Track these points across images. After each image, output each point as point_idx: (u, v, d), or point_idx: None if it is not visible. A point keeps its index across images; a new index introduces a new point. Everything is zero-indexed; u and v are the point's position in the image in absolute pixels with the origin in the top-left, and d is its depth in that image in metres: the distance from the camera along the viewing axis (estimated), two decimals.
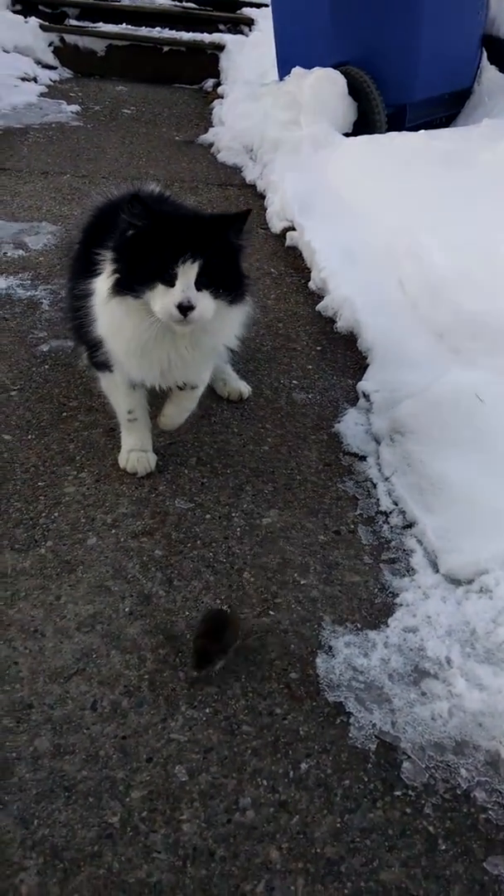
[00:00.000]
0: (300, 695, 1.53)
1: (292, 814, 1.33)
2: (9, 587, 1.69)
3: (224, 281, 1.72)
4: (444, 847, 1.31)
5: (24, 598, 1.67)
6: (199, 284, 1.67)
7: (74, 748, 1.39)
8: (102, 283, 1.79)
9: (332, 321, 2.93)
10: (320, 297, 3.08)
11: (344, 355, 2.74)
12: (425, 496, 1.99)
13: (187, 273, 1.65)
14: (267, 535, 1.91)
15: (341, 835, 1.31)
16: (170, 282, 1.66)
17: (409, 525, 1.96)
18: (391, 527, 1.97)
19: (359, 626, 1.69)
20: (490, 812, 1.36)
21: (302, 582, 1.79)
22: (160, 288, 1.67)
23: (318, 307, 3.02)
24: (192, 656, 1.53)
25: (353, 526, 1.98)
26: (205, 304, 1.68)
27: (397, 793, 1.38)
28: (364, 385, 2.47)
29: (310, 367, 2.65)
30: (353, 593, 1.77)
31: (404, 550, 1.90)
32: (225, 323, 1.82)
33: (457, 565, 1.79)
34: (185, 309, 1.65)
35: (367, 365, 2.62)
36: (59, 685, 1.49)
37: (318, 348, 2.77)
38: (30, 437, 2.16)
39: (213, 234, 1.70)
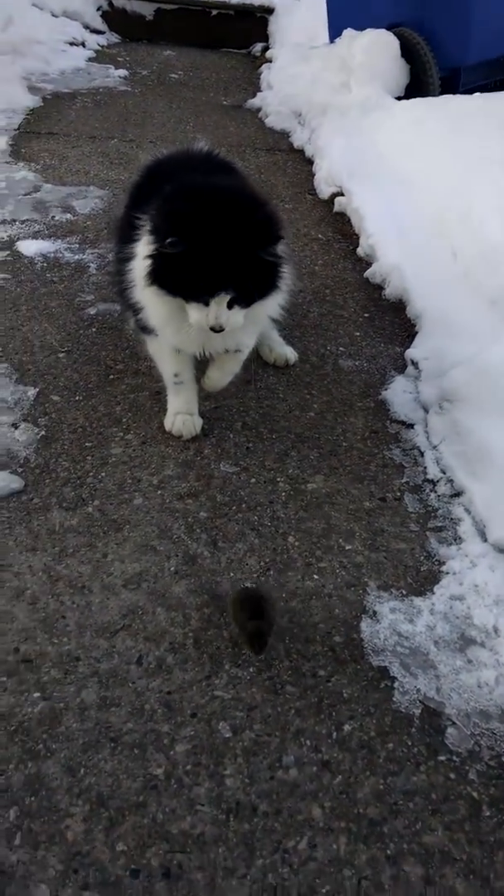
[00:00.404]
0: (344, 658, 1.52)
1: (335, 774, 1.33)
2: (56, 543, 1.71)
3: (256, 294, 1.76)
4: (488, 813, 1.30)
5: (72, 554, 1.69)
6: (231, 304, 1.71)
7: (120, 701, 1.41)
8: (142, 249, 1.80)
9: (380, 288, 2.88)
10: (368, 264, 3.03)
11: (392, 323, 2.69)
12: (473, 465, 1.95)
13: (220, 302, 1.69)
14: (312, 501, 1.90)
15: (384, 796, 1.31)
16: (204, 303, 1.70)
17: (457, 494, 1.93)
18: (438, 495, 1.94)
19: (404, 592, 1.67)
20: None
21: (347, 547, 1.78)
22: (194, 303, 1.72)
23: (366, 274, 2.97)
24: (246, 641, 1.48)
25: (399, 493, 1.96)
26: (235, 318, 1.74)
27: (441, 758, 1.37)
28: (412, 352, 2.42)
29: (357, 334, 2.61)
30: (399, 560, 1.76)
31: (451, 519, 1.87)
32: (259, 312, 1.87)
33: None
34: (216, 329, 1.73)
35: (416, 333, 2.57)
36: (105, 640, 1.51)
37: (366, 315, 2.73)
38: (77, 398, 2.17)
39: (247, 259, 1.68)
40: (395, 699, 1.46)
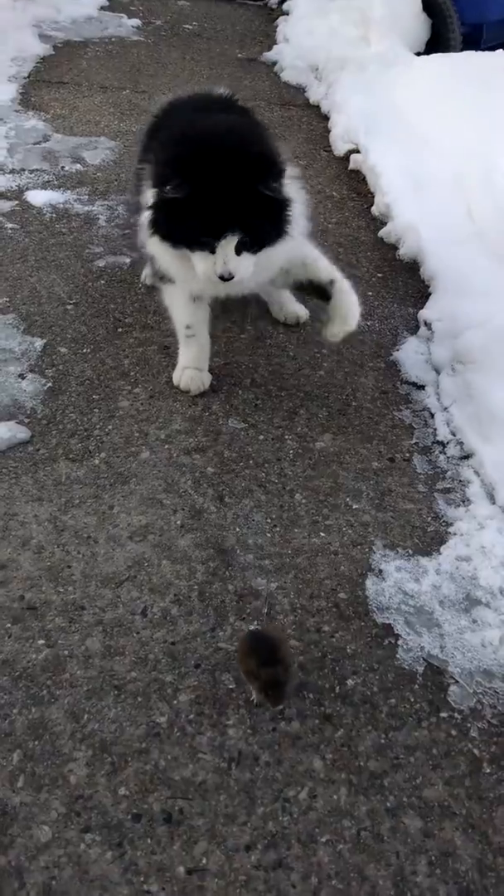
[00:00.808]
0: (349, 615, 1.52)
1: (337, 727, 1.34)
2: (63, 494, 1.70)
3: (265, 237, 1.70)
4: (488, 770, 1.31)
5: (78, 505, 1.68)
6: (239, 249, 1.66)
7: (125, 650, 1.41)
8: (145, 199, 1.77)
9: (394, 248, 2.83)
10: (383, 223, 2.97)
11: (406, 283, 2.65)
12: (485, 428, 1.93)
13: (226, 246, 1.64)
14: (320, 459, 1.89)
15: (385, 750, 1.31)
16: (210, 250, 1.65)
17: (467, 456, 1.91)
18: (448, 457, 1.93)
19: (410, 552, 1.67)
20: None
21: (354, 506, 1.77)
22: (199, 253, 1.67)
23: (381, 233, 2.91)
24: (260, 691, 1.30)
25: (408, 454, 1.94)
26: (245, 266, 1.68)
27: (443, 714, 1.37)
28: (426, 313, 2.38)
29: (370, 293, 2.57)
30: (406, 520, 1.75)
31: (460, 481, 1.86)
32: (272, 258, 1.80)
33: None
34: (225, 277, 1.67)
35: (430, 294, 2.53)
36: (110, 590, 1.51)
37: (379, 275, 2.68)
38: (85, 350, 2.15)
39: (249, 196, 1.62)
40: (398, 656, 1.46)
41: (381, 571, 1.61)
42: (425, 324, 2.37)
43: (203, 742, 1.29)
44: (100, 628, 1.44)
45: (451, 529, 1.72)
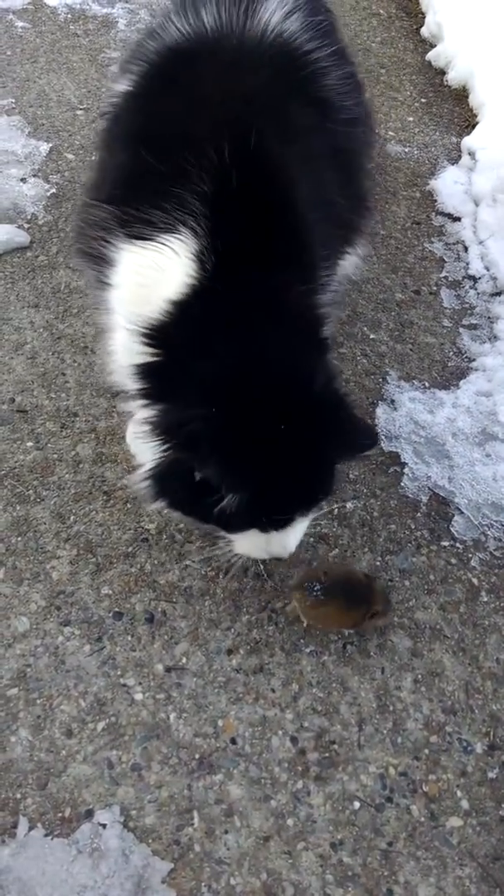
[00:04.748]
0: None
1: (332, 546, 1.29)
2: (61, 303, 1.60)
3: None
4: (486, 599, 1.25)
5: (77, 315, 1.58)
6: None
7: (117, 458, 1.35)
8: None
9: (442, 73, 2.54)
10: (432, 45, 2.66)
11: (451, 111, 2.40)
12: None
13: (295, 527, 1.06)
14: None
15: (380, 572, 1.26)
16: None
17: (499, 293, 1.76)
18: (478, 292, 1.78)
19: (427, 385, 1.56)
20: None
21: (371, 336, 1.65)
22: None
23: (429, 56, 2.61)
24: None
25: (435, 288, 1.79)
26: (303, 529, 1.09)
27: (444, 543, 1.31)
28: (469, 141, 2.16)
29: (410, 119, 2.33)
30: (426, 353, 1.63)
31: (489, 318, 1.72)
32: None
33: None
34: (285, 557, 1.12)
35: (476, 123, 2.28)
36: (105, 400, 1.43)
37: (423, 101, 2.43)
38: (93, 158, 1.97)
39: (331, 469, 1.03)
40: (403, 484, 1.38)
41: (393, 401, 1.51)
42: (469, 153, 2.15)
43: (192, 550, 1.25)
44: (92, 436, 1.38)
45: (473, 364, 1.61)
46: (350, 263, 1.35)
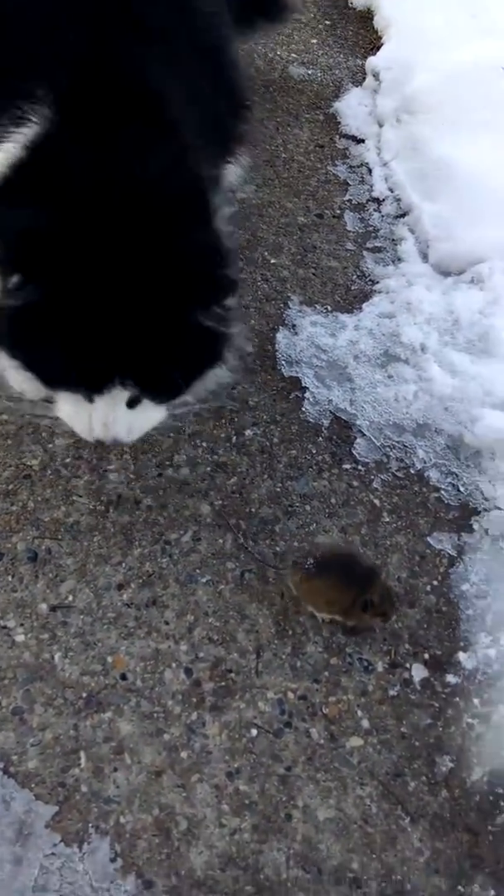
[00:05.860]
0: (254, 367, 1.38)
1: (230, 475, 1.23)
2: None
3: (182, 380, 0.98)
4: (387, 520, 1.22)
5: None
6: (135, 401, 0.97)
7: None
8: None
9: None
10: None
11: (356, 33, 2.31)
12: (427, 182, 1.71)
13: (113, 399, 0.94)
14: (239, 211, 1.67)
15: (280, 498, 1.22)
16: (87, 398, 0.97)
17: (403, 214, 1.71)
18: (382, 215, 1.72)
19: (329, 308, 1.51)
20: (443, 492, 1.26)
21: (272, 261, 1.58)
22: (65, 394, 0.99)
23: None
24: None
25: (339, 211, 1.73)
26: (144, 422, 1.01)
27: (346, 466, 1.27)
28: (374, 62, 2.08)
29: (314, 41, 2.23)
30: (329, 277, 1.57)
31: (393, 240, 1.67)
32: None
33: (449, 254, 1.57)
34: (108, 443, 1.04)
35: (381, 45, 2.20)
36: None
37: (328, 22, 2.33)
38: None
39: (170, 326, 0.89)
40: (304, 409, 1.33)
41: (294, 326, 1.46)
42: (373, 74, 2.07)
43: (79, 485, 1.18)
44: None
45: (376, 287, 1.56)
46: (232, 174, 1.27)
